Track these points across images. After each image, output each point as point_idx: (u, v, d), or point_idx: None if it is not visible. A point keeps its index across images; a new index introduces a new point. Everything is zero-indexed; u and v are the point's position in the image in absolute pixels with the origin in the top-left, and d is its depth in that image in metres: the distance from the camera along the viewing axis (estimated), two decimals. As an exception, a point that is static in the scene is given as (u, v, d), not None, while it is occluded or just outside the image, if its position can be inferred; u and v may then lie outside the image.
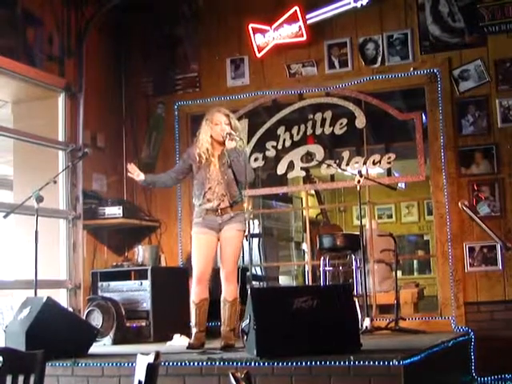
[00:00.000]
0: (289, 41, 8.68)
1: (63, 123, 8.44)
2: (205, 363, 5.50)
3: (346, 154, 8.61)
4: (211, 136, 6.59)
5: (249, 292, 5.68)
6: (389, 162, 8.46)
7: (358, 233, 7.86)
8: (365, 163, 8.47)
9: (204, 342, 6.53)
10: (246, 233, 6.64)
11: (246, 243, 6.77)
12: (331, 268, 8.80)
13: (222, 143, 6.55)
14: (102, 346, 7.34)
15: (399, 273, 9.80)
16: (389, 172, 8.72)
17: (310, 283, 9.11)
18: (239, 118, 8.15)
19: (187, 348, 6.41)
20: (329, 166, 8.59)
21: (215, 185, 6.51)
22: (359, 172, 7.81)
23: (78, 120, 8.48)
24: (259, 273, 10.85)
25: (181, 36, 9.25)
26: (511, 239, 7.68)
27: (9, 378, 3.58)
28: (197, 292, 6.53)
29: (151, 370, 3.28)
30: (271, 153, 8.88)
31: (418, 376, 5.30)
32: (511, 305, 7.76)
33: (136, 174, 6.81)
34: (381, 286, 9.05)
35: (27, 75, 7.94)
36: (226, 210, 6.50)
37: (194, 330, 6.56)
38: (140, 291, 8.02)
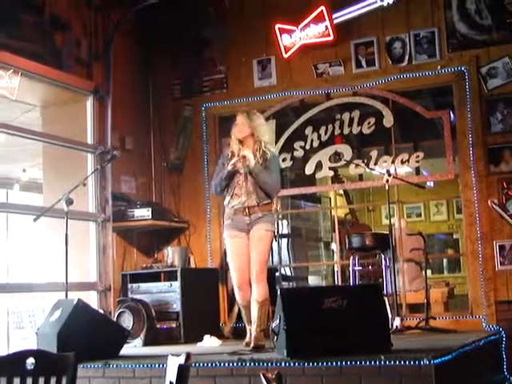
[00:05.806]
0: (315, 41, 8.66)
1: (92, 126, 8.49)
2: (235, 364, 5.51)
3: (374, 154, 8.60)
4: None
5: (278, 292, 5.68)
6: (417, 161, 8.43)
7: (387, 232, 7.84)
8: (393, 162, 8.45)
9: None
10: (276, 233, 6.65)
11: (274, 244, 6.75)
12: (361, 268, 8.77)
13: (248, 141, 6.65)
14: (133, 347, 7.39)
15: (429, 272, 9.72)
16: (417, 171, 8.69)
17: (340, 283, 9.10)
18: (267, 119, 8.14)
19: (244, 346, 6.46)
20: (357, 165, 8.55)
21: (243, 179, 6.55)
22: (387, 171, 7.79)
23: (106, 123, 8.53)
24: (288, 273, 10.84)
25: (208, 38, 9.27)
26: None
27: (41, 380, 3.60)
28: (240, 295, 6.64)
29: (182, 371, 3.29)
30: (299, 153, 8.88)
31: (449, 376, 5.28)
32: (542, 303, 7.72)
33: None
34: (411, 285, 9.02)
35: (55, 79, 8.00)
36: (253, 210, 6.52)
37: (248, 329, 6.65)
38: (170, 292, 8.04)
